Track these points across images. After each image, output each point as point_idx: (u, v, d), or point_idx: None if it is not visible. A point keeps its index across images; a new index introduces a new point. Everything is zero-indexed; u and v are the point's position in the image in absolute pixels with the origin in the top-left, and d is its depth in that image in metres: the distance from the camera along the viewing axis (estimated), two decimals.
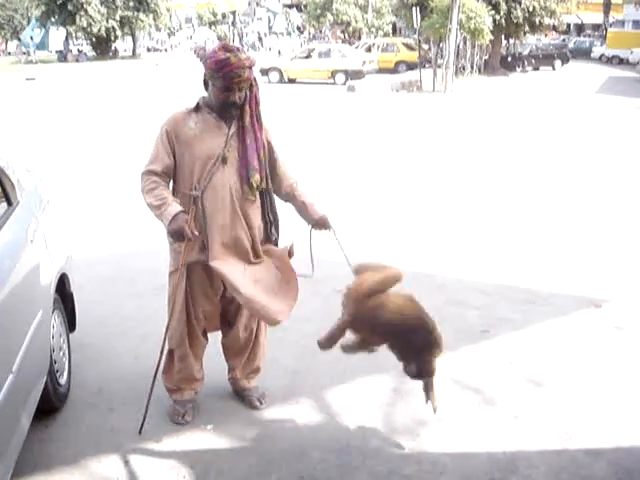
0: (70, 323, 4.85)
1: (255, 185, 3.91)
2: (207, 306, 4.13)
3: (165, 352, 4.18)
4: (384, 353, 4.75)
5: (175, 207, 3.74)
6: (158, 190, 3.79)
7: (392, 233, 8.12)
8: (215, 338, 4.37)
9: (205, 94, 3.94)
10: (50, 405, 4.16)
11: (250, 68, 3.76)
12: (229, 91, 3.73)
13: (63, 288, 4.68)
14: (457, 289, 6.38)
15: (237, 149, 3.88)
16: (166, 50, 66.91)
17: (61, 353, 4.40)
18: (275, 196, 4.17)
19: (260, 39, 60.29)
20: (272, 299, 3.98)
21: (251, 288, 3.91)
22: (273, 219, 4.13)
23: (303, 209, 4.19)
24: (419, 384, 4.43)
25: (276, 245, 4.20)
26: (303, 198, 4.18)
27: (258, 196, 4.01)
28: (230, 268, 3.89)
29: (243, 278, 3.91)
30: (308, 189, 4.26)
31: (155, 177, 3.82)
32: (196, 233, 3.77)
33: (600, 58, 49.79)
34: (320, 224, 4.18)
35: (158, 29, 61.41)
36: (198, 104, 3.91)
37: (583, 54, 51.30)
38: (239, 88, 3.75)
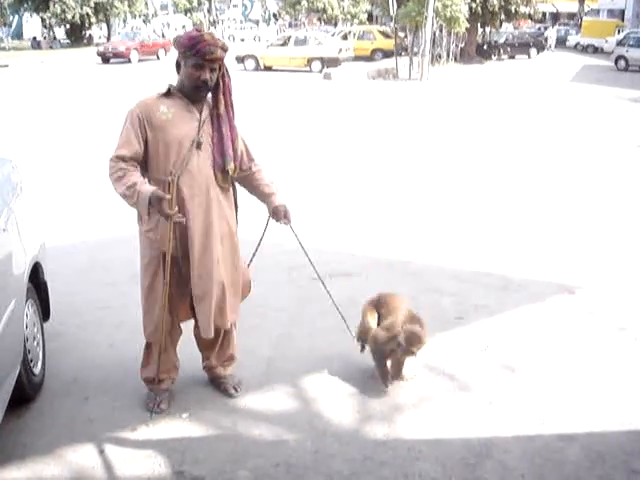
0: (44, 312, 4.81)
1: (230, 173, 3.92)
2: (182, 296, 4.12)
3: (144, 345, 4.20)
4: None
5: (146, 190, 3.63)
6: (126, 177, 3.68)
7: (368, 220, 8.13)
8: (186, 326, 4.34)
9: (174, 82, 3.92)
10: (24, 395, 4.13)
11: (223, 49, 3.76)
12: (202, 69, 3.73)
13: (37, 277, 4.64)
14: (432, 276, 6.41)
15: (210, 135, 3.87)
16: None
17: (35, 342, 4.37)
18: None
19: (214, 24, 59.27)
20: (218, 308, 4.05)
21: (206, 289, 3.95)
22: (235, 210, 4.15)
23: (263, 195, 4.21)
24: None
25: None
26: (265, 182, 4.20)
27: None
28: (200, 261, 3.89)
29: (207, 273, 3.93)
30: (271, 178, 4.26)
31: (123, 163, 3.73)
32: (175, 208, 3.69)
33: (575, 47, 50.07)
34: (279, 212, 4.16)
35: (133, 16, 60.80)
36: (169, 89, 3.88)
37: (559, 43, 51.54)
38: (211, 68, 3.75)
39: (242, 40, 55.10)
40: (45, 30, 54.55)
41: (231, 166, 3.91)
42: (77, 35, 53.85)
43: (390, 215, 8.38)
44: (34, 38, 53.16)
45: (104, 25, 58.34)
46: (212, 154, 3.88)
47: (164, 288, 3.93)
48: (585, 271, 6.54)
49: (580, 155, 12.15)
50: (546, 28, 58.58)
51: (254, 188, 4.22)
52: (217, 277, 3.96)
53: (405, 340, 4.16)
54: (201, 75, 3.74)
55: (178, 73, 3.86)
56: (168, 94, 3.88)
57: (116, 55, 38.91)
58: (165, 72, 27.98)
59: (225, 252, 4.02)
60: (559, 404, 4.28)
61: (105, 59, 38.84)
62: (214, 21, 63.80)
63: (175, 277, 3.98)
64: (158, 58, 41.44)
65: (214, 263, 3.93)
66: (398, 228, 7.85)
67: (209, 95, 3.90)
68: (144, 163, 3.85)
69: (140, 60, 39.77)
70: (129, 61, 38.86)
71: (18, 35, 55.49)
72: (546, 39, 49.76)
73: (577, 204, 8.90)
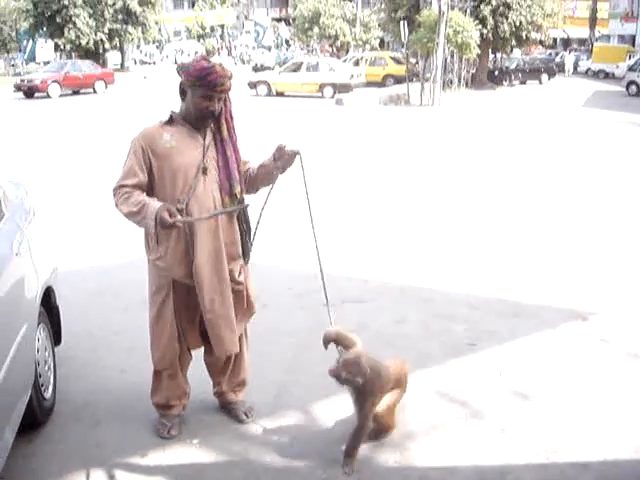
0: (56, 336, 4.82)
1: (238, 196, 3.92)
2: (191, 323, 4.10)
3: (153, 372, 4.20)
4: None
5: (154, 204, 3.65)
6: (133, 197, 3.71)
7: (380, 246, 8.12)
8: (197, 350, 4.33)
9: (177, 108, 3.94)
10: (35, 419, 4.13)
11: (230, 79, 3.79)
12: (210, 100, 3.74)
13: (49, 301, 4.66)
14: (444, 302, 6.38)
15: (215, 160, 3.88)
16: (154, 63, 66.93)
17: (46, 367, 4.37)
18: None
19: (229, 51, 59.82)
20: (231, 329, 4.00)
21: (219, 311, 3.93)
22: (247, 228, 4.12)
23: (263, 166, 4.07)
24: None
25: (246, 254, 4.14)
26: (257, 164, 4.09)
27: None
28: (210, 285, 3.88)
29: (219, 297, 3.92)
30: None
31: (126, 189, 3.76)
32: (179, 217, 3.66)
33: (586, 72, 50.14)
34: (281, 149, 3.94)
35: (147, 42, 61.43)
36: (171, 117, 3.90)
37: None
38: (219, 98, 3.77)
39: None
40: (59, 55, 55.13)
41: (238, 189, 3.92)
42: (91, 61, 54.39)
43: (402, 241, 8.37)
44: (48, 63, 53.75)
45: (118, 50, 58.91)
46: (219, 178, 3.88)
47: (172, 316, 3.97)
48: (598, 297, 6.50)
49: (594, 182, 12.11)
50: (557, 54, 58.76)
51: (256, 177, 4.10)
52: (229, 301, 3.96)
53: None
54: (209, 106, 3.76)
55: (182, 100, 3.87)
56: (171, 122, 3.89)
57: (31, 89, 33.00)
58: (92, 109, 26.70)
59: (234, 275, 4.01)
60: (572, 431, 4.24)
61: (27, 93, 33.05)
62: (227, 47, 64.36)
63: (184, 304, 3.99)
64: (95, 92, 35.33)
65: (226, 286, 3.93)
66: (410, 254, 7.84)
67: None
68: (150, 192, 3.84)
69: (70, 94, 34.37)
70: (48, 96, 32.66)
71: (32, 60, 56.11)
72: (562, 64, 49.82)
73: (589, 230, 8.86)
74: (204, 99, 3.74)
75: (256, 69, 47.80)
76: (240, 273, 4.06)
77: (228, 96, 3.91)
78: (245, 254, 4.12)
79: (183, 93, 3.85)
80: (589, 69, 50.27)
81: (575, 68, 51.88)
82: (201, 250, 3.83)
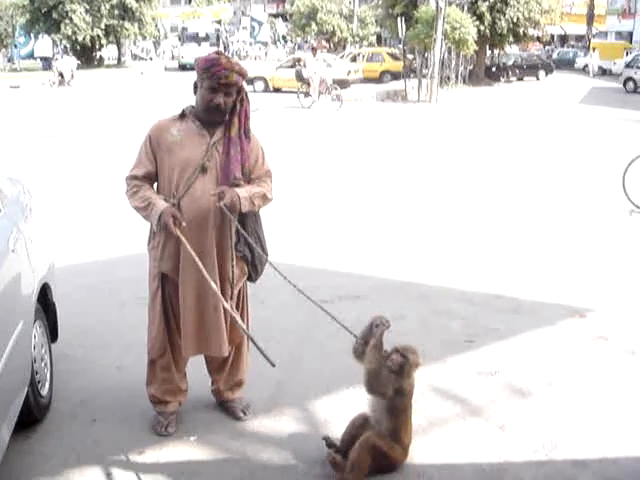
0: (52, 333, 4.80)
1: None
2: None
3: (147, 362, 4.18)
4: None
5: (160, 205, 3.74)
6: (141, 192, 3.82)
7: (377, 242, 8.11)
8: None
9: (193, 103, 3.93)
10: (31, 417, 4.11)
11: (240, 75, 3.76)
12: (215, 92, 3.73)
13: (45, 298, 4.63)
14: (442, 299, 6.37)
15: (219, 159, 3.84)
16: (152, 59, 66.76)
17: (43, 364, 4.35)
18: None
19: (226, 46, 59.89)
20: (205, 338, 3.99)
21: (194, 317, 3.94)
22: (244, 235, 3.95)
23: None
24: None
25: (246, 261, 4.06)
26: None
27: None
28: (190, 287, 3.88)
29: (196, 302, 3.91)
30: (263, 189, 3.96)
31: (137, 181, 3.87)
32: (184, 224, 3.70)
33: (584, 69, 50.10)
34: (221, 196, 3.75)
35: (144, 37, 61.24)
36: (183, 112, 3.91)
37: (567, 64, 51.67)
38: (226, 92, 3.75)
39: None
40: (56, 51, 54.93)
41: None
42: (88, 56, 54.22)
43: (399, 237, 8.36)
44: (45, 59, 53.56)
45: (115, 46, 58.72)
46: (218, 178, 3.84)
47: (160, 305, 4.00)
48: (596, 294, 6.49)
49: (589, 178, 12.11)
50: (553, 50, 58.77)
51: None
52: (213, 301, 3.90)
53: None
54: (214, 99, 3.74)
55: (195, 94, 3.88)
56: (183, 116, 3.89)
57: None
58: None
59: (221, 279, 3.94)
60: (571, 429, 4.23)
61: None
62: (224, 43, 64.17)
63: (177, 296, 3.98)
64: None
65: (209, 287, 3.84)
66: (408, 250, 7.83)
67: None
68: (157, 182, 3.94)
69: None
70: None
71: (30, 56, 55.98)
72: (585, 66, 49.49)
73: (587, 227, 8.86)
74: (209, 91, 3.74)
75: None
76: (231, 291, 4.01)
77: (246, 96, 3.89)
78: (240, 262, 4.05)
79: (196, 87, 3.86)
80: (586, 65, 50.24)
81: (572, 64, 51.80)
82: (187, 249, 3.77)
